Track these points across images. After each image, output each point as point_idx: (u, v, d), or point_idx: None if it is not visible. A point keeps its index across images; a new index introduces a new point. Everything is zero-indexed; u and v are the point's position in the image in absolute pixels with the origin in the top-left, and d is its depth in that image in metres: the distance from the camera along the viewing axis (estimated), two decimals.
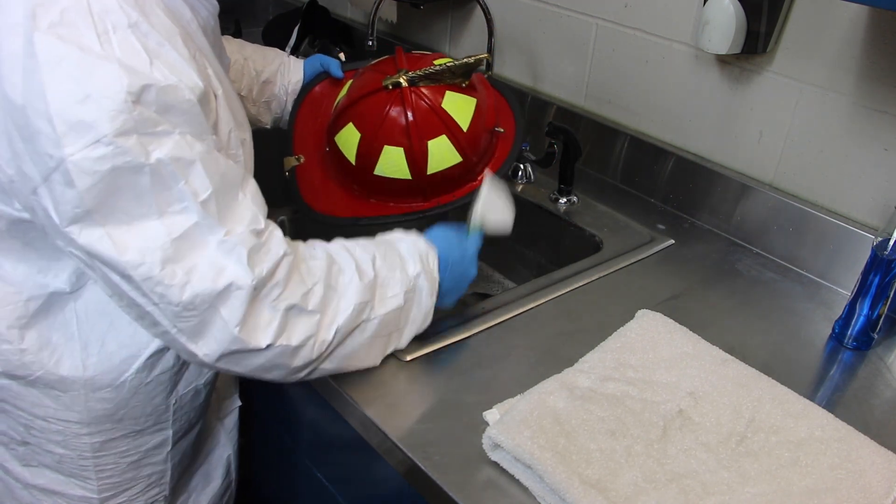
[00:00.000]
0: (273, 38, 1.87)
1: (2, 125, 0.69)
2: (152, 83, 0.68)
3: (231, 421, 1.17)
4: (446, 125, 1.08)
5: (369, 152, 1.09)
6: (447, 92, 1.10)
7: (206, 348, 0.75)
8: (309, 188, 1.18)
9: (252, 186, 0.79)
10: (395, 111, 1.08)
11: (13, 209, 0.77)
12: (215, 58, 0.84)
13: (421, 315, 0.91)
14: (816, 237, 1.17)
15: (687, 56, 1.28)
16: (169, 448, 0.99)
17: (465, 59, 1.10)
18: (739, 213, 1.26)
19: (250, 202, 0.77)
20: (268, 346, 0.76)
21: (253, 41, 1.31)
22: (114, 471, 0.96)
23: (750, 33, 1.14)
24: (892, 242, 0.97)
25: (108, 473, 0.96)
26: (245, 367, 0.78)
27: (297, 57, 1.31)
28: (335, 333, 0.81)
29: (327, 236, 0.92)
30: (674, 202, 1.35)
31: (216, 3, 0.87)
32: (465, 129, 1.10)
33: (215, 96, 0.78)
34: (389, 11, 1.77)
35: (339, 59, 1.66)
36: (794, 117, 1.17)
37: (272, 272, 0.75)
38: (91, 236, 0.70)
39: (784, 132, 1.19)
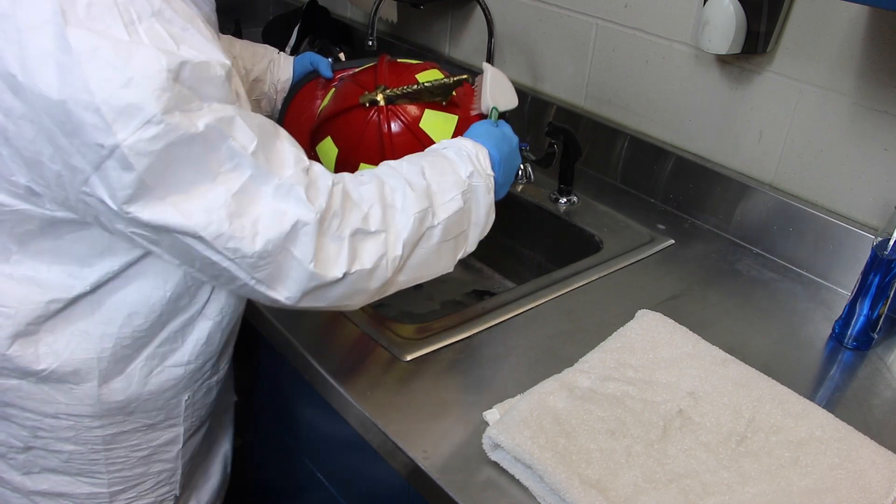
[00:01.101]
0: (273, 38, 1.87)
1: (37, 124, 0.69)
2: (188, 60, 0.70)
3: (228, 417, 1.17)
4: (423, 145, 1.07)
5: (346, 168, 1.09)
6: (426, 110, 1.09)
7: (287, 291, 0.77)
8: None
9: (283, 131, 0.81)
10: (371, 130, 1.07)
11: (45, 209, 0.78)
12: None
13: (483, 215, 0.92)
14: (816, 237, 1.17)
15: (687, 56, 1.28)
16: (180, 446, 1.00)
17: (444, 80, 1.09)
18: (739, 213, 1.26)
19: (289, 145, 0.79)
20: (344, 275, 0.78)
21: (253, 41, 1.30)
22: (124, 464, 0.96)
23: (750, 33, 1.14)
24: (892, 242, 0.97)
25: (119, 467, 0.96)
26: (327, 299, 0.80)
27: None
28: (403, 247, 0.83)
29: None
30: (674, 202, 1.35)
31: (213, 1, 0.88)
32: None
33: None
34: (389, 11, 1.77)
35: (339, 58, 1.66)
36: (794, 117, 1.17)
37: (329, 203, 0.77)
38: (155, 211, 0.71)
39: (784, 132, 1.19)
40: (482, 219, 0.92)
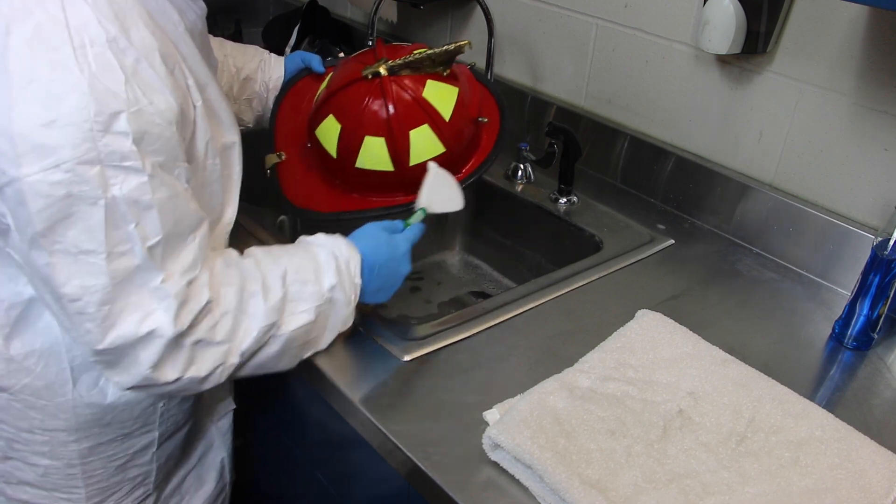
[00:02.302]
0: (273, 38, 1.87)
1: None
2: (122, 110, 0.67)
3: (225, 423, 1.16)
4: (428, 114, 1.07)
5: (350, 144, 1.08)
6: (428, 81, 1.08)
7: (118, 378, 0.78)
8: (291, 185, 1.17)
9: (203, 230, 0.79)
10: (375, 101, 1.06)
11: None
12: (202, 61, 0.84)
13: (339, 323, 0.92)
14: (816, 237, 1.17)
15: (687, 56, 1.28)
16: (155, 449, 0.99)
17: (446, 47, 1.08)
18: (739, 213, 1.26)
19: (196, 247, 0.77)
20: (176, 380, 0.78)
21: (253, 41, 1.31)
22: (102, 475, 0.96)
23: (750, 33, 1.14)
24: (892, 242, 0.97)
25: (97, 479, 0.96)
26: (155, 393, 0.84)
27: None
28: (241, 356, 0.82)
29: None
30: (674, 202, 1.35)
31: (203, 5, 0.87)
32: (447, 119, 1.08)
33: (194, 107, 0.78)
34: (389, 11, 1.77)
35: (338, 58, 1.66)
36: (794, 117, 1.17)
37: (193, 323, 0.77)
38: (38, 259, 0.71)
39: (784, 132, 1.19)
40: (337, 325, 0.92)
